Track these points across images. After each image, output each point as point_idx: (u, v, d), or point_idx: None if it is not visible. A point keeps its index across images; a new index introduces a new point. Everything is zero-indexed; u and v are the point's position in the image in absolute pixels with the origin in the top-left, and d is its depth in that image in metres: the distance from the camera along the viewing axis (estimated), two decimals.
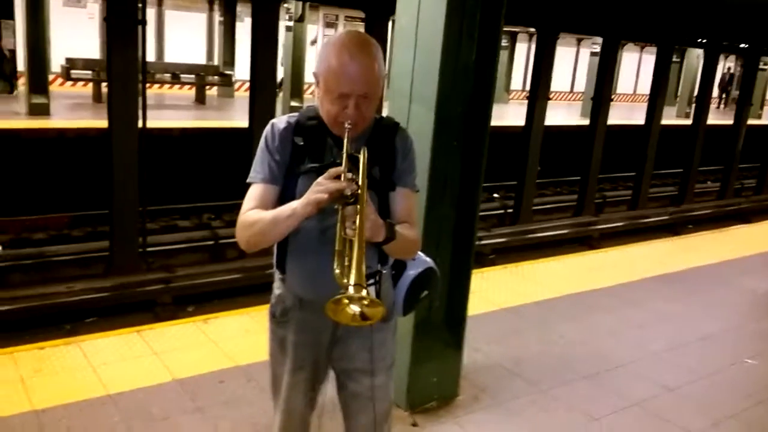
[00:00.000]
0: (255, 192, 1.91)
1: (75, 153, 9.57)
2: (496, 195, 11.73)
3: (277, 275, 2.04)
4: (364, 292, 1.61)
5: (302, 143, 1.91)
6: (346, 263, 1.68)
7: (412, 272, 2.08)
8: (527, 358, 4.11)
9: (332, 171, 1.74)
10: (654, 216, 11.72)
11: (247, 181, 1.94)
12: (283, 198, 1.88)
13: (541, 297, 5.21)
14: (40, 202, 8.93)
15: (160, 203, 8.92)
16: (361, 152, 1.79)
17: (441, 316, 3.40)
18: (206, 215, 9.45)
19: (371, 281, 1.92)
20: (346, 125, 1.80)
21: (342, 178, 1.71)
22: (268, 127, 1.95)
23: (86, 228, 8.59)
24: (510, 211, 10.58)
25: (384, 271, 2.00)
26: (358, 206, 1.69)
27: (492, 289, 5.26)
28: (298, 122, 1.94)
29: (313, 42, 17.82)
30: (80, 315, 6.44)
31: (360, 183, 1.72)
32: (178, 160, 10.16)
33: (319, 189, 1.72)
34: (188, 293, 7.04)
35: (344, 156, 1.76)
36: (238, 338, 4.09)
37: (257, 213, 1.86)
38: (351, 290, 1.61)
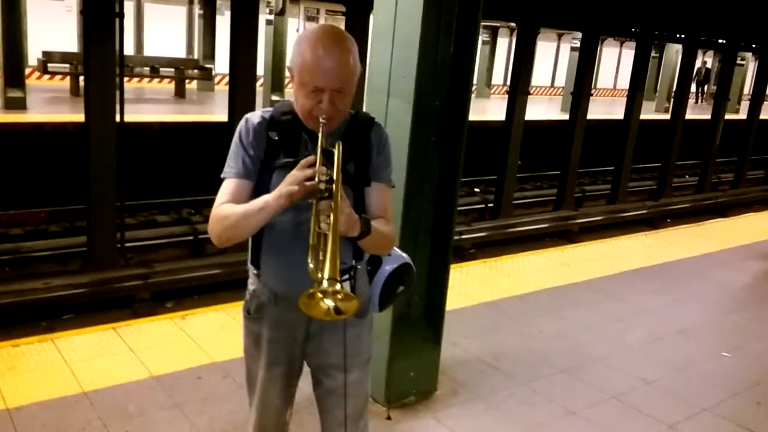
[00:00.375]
0: (228, 187, 1.89)
1: (52, 147, 9.45)
2: (476, 189, 11.75)
3: (252, 270, 2.03)
4: (338, 286, 1.60)
5: (277, 138, 1.89)
6: (320, 257, 1.66)
7: (387, 267, 2.07)
8: (506, 352, 4.12)
9: (304, 162, 1.73)
10: (633, 210, 11.80)
11: (222, 176, 1.92)
12: (257, 193, 1.86)
13: (521, 291, 5.24)
14: (16, 197, 8.80)
15: (139, 198, 8.83)
16: (336, 146, 1.78)
17: (419, 311, 3.40)
18: (186, 210, 9.38)
19: (346, 277, 1.92)
20: (321, 119, 1.78)
21: (315, 171, 1.69)
22: (242, 122, 1.93)
23: (64, 223, 8.49)
24: (490, 205, 10.61)
25: (359, 267, 1.99)
26: (333, 200, 1.67)
27: (471, 284, 5.27)
28: (272, 117, 1.92)
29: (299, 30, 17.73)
30: (57, 311, 6.36)
31: (334, 176, 1.70)
32: (156, 155, 10.05)
33: (292, 181, 1.71)
34: (167, 289, 6.97)
35: (318, 150, 1.74)
36: (215, 334, 4.06)
37: (229, 207, 1.85)
38: (325, 284, 1.59)
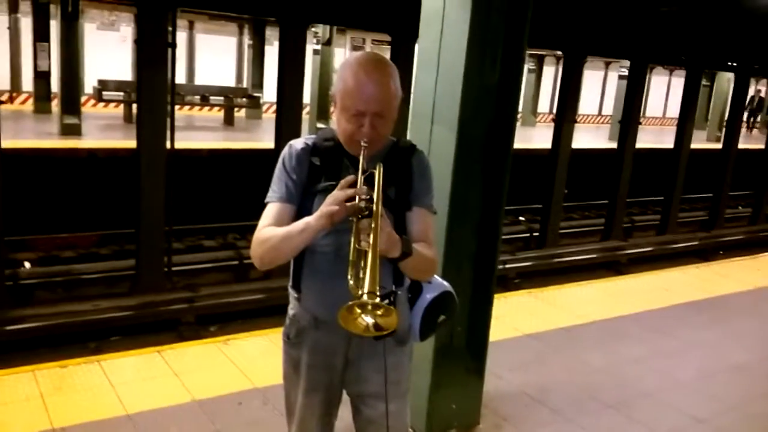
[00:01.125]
0: (271, 210, 1.92)
1: (105, 173, 9.72)
2: (521, 218, 11.62)
3: (293, 294, 2.03)
4: (377, 300, 1.58)
5: (319, 163, 1.92)
6: (360, 275, 1.66)
7: (428, 296, 2.05)
8: (552, 386, 4.02)
9: (344, 183, 1.74)
10: (683, 241, 11.52)
11: (265, 200, 1.95)
12: (299, 217, 1.88)
13: (567, 323, 5.12)
14: (70, 221, 9.05)
15: (186, 223, 8.99)
16: (377, 167, 1.79)
17: (462, 342, 3.34)
18: (231, 235, 9.51)
19: (386, 301, 1.90)
20: (362, 143, 1.81)
21: (356, 191, 1.70)
22: (285, 149, 1.97)
23: (113, 246, 8.69)
24: (536, 234, 10.47)
25: (399, 293, 1.97)
26: (373, 219, 1.67)
27: (516, 315, 5.18)
28: (315, 143, 1.96)
29: None
30: (105, 333, 6.49)
31: (375, 196, 1.71)
32: (204, 181, 10.25)
33: (332, 201, 1.72)
34: (212, 313, 7.06)
35: (359, 171, 1.76)
36: (257, 360, 4.07)
37: (271, 230, 1.87)
38: (364, 297, 1.58)
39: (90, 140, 10.96)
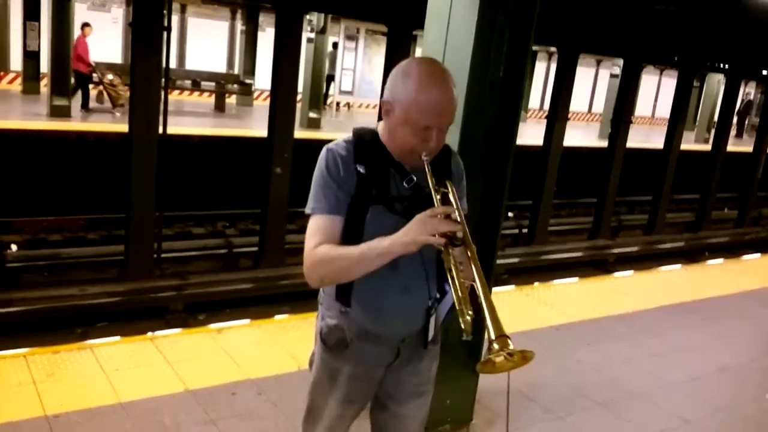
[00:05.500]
0: (321, 224, 1.78)
1: (94, 156, 9.62)
2: (510, 214, 11.66)
3: (339, 308, 1.90)
4: (511, 347, 1.54)
5: (364, 172, 1.80)
6: (467, 312, 1.64)
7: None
8: (543, 384, 4.04)
9: (442, 210, 1.65)
10: (670, 242, 11.61)
11: (308, 212, 1.82)
12: (349, 230, 1.78)
13: (556, 321, 5.15)
14: (57, 204, 8.96)
15: (176, 209, 8.92)
16: (449, 186, 1.73)
17: (457, 337, 3.34)
18: (221, 223, 9.45)
19: (432, 311, 1.94)
20: (423, 157, 1.74)
21: (456, 220, 1.63)
22: (326, 154, 1.82)
23: (102, 231, 8.62)
24: (524, 231, 10.51)
25: (438, 296, 1.96)
26: (467, 247, 1.61)
27: (506, 311, 5.15)
28: (356, 148, 1.83)
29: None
30: (92, 319, 6.44)
31: (458, 218, 1.63)
32: (194, 167, 10.17)
33: (431, 230, 1.62)
34: (200, 301, 7.03)
35: (433, 191, 1.71)
36: (250, 350, 4.06)
37: (333, 249, 1.75)
38: (495, 346, 1.54)
39: (79, 122, 10.84)
